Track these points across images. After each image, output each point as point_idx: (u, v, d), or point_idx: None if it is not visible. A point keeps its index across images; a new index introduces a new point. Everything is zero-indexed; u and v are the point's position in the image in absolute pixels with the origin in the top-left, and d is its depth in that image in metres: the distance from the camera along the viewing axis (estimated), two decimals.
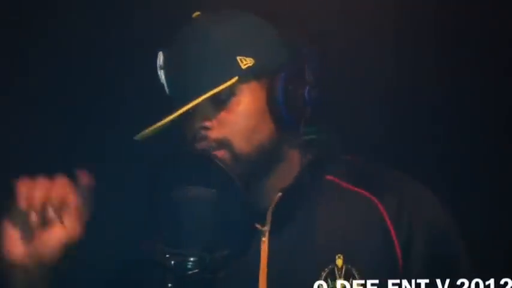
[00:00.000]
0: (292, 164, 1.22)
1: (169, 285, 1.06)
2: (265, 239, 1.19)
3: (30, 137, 1.79)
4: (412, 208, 1.19)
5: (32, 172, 1.79)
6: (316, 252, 1.17)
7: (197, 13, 1.21)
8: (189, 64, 1.14)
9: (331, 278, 1.16)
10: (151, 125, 1.14)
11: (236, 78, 1.13)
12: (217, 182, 1.09)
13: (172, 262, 1.06)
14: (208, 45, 1.14)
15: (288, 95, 1.16)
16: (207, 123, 1.14)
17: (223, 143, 1.14)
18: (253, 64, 1.15)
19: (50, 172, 1.81)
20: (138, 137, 1.15)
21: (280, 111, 1.16)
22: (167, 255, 1.07)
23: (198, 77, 1.13)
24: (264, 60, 1.16)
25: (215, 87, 1.11)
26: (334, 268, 1.16)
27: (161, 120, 1.13)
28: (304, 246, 1.18)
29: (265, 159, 1.18)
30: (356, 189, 1.21)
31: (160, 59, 1.17)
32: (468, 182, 1.79)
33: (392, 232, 1.17)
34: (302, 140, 1.23)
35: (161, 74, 1.18)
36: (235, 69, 1.14)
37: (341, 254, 1.16)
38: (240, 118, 1.15)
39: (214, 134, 1.14)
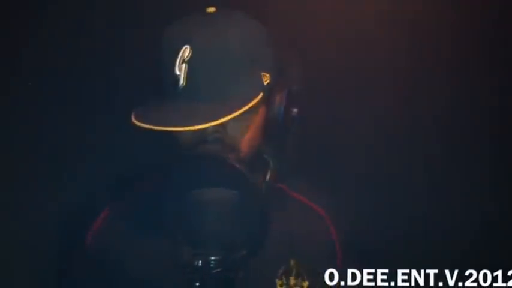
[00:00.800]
0: (258, 169, 1.24)
1: (197, 284, 1.08)
2: None
3: (32, 139, 1.80)
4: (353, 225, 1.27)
5: (33, 171, 1.82)
6: (272, 251, 1.18)
7: (212, 9, 1.19)
8: (219, 68, 1.13)
9: (286, 276, 1.21)
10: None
11: (261, 95, 1.13)
12: (235, 183, 1.10)
13: (200, 262, 1.08)
14: (241, 53, 1.14)
15: (286, 115, 1.19)
16: (221, 129, 1.14)
17: (233, 149, 1.15)
18: (270, 81, 1.16)
19: (52, 172, 1.83)
20: (141, 122, 1.11)
21: (278, 128, 1.19)
22: (191, 256, 1.08)
23: (225, 84, 1.13)
24: (275, 77, 1.17)
25: (243, 101, 1.11)
26: (288, 267, 1.21)
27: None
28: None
29: (251, 163, 1.19)
30: (305, 200, 1.28)
31: (185, 52, 1.14)
32: (473, 176, 1.81)
33: (337, 243, 1.25)
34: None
35: (182, 67, 1.14)
36: (260, 85, 1.15)
37: (291, 257, 1.22)
38: (249, 129, 1.17)
39: (227, 139, 1.15)
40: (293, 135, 1.24)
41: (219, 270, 1.08)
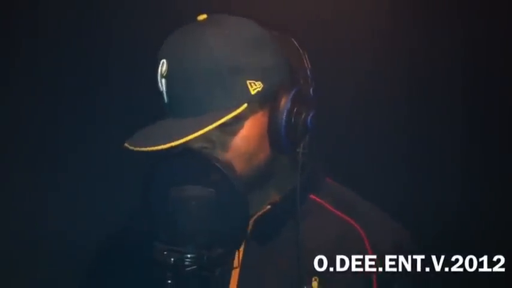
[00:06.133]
0: (282, 181, 1.19)
1: (169, 281, 1.07)
2: (241, 248, 1.18)
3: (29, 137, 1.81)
4: (392, 242, 1.19)
5: (33, 171, 1.82)
6: (291, 271, 1.16)
7: (203, 16, 1.14)
8: (195, 80, 1.08)
9: None
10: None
11: (245, 105, 1.08)
12: (213, 180, 1.08)
13: (172, 259, 1.07)
14: (217, 63, 1.08)
15: (291, 122, 1.12)
16: (208, 145, 1.11)
17: (223, 164, 1.10)
18: (262, 88, 1.09)
19: (47, 170, 1.84)
20: (130, 145, 1.09)
21: (281, 138, 1.12)
22: (165, 252, 1.07)
23: (205, 97, 1.08)
24: (271, 84, 1.11)
25: (223, 112, 1.06)
26: None
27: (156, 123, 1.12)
28: (280, 263, 1.17)
29: (260, 178, 1.16)
30: (339, 213, 1.21)
31: (163, 67, 1.10)
32: (460, 164, 1.84)
33: (372, 263, 1.17)
34: (294, 159, 1.17)
35: (162, 82, 1.10)
36: (245, 95, 1.08)
37: (317, 276, 1.15)
38: (242, 142, 1.11)
39: (216, 155, 1.11)
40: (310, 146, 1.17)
41: (193, 268, 1.07)
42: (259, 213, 1.19)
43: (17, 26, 1.77)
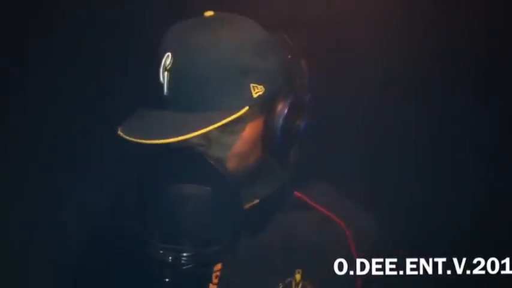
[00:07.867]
0: (270, 180, 1.20)
1: (166, 280, 1.08)
2: None
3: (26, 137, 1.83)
4: (374, 241, 1.21)
5: (29, 170, 1.84)
6: (275, 263, 1.17)
7: (211, 13, 1.14)
8: (203, 78, 1.07)
9: None
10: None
11: (247, 108, 1.08)
12: (209, 179, 1.08)
13: (169, 258, 1.07)
14: (227, 63, 1.08)
15: (286, 128, 1.13)
16: (205, 142, 1.11)
17: (218, 163, 1.11)
18: (263, 92, 1.10)
19: (47, 169, 1.85)
20: (129, 136, 1.08)
21: (276, 143, 1.13)
22: (161, 251, 1.08)
23: (210, 95, 1.08)
24: (273, 89, 1.11)
25: (226, 113, 1.06)
26: (292, 282, 1.17)
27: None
28: (265, 255, 1.18)
29: (248, 176, 1.16)
30: (324, 211, 1.22)
31: (167, 60, 1.09)
32: (482, 167, 1.83)
33: (356, 260, 1.19)
34: (284, 160, 1.19)
35: (164, 75, 1.09)
36: (247, 98, 1.08)
37: (300, 269, 1.17)
38: (238, 143, 1.12)
39: (211, 153, 1.11)
40: (300, 147, 1.18)
41: (190, 266, 1.07)
42: (247, 206, 1.18)
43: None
